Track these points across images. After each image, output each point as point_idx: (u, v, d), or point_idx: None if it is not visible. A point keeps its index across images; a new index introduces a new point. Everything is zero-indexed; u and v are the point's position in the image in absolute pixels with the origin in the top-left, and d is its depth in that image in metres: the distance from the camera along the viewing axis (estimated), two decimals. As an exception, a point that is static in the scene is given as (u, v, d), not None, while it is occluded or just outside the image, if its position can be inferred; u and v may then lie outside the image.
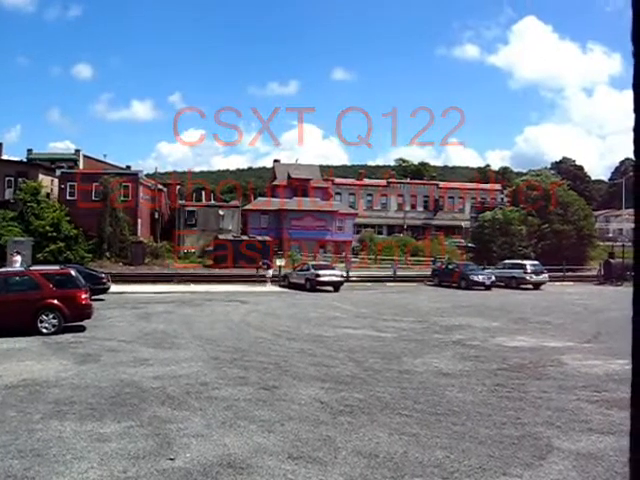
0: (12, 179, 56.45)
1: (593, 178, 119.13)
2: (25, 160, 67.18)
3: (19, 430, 8.53)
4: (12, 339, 16.61)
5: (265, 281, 41.37)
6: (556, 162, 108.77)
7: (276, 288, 39.57)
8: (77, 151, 74.76)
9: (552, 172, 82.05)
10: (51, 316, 17.91)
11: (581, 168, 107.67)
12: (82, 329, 18.63)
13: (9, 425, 8.78)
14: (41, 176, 57.31)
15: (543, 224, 59.27)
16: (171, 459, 7.39)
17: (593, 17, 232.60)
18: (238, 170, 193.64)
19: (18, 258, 34.14)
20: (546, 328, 21.23)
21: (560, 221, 59.66)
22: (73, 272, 19.89)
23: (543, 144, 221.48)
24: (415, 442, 8.20)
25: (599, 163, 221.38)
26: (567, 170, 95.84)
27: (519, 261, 46.52)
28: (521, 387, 11.70)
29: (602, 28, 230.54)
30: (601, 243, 67.47)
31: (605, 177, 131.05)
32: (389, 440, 8.27)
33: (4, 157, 64.86)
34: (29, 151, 73.05)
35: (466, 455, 7.69)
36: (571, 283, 48.86)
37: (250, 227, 67.59)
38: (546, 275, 43.73)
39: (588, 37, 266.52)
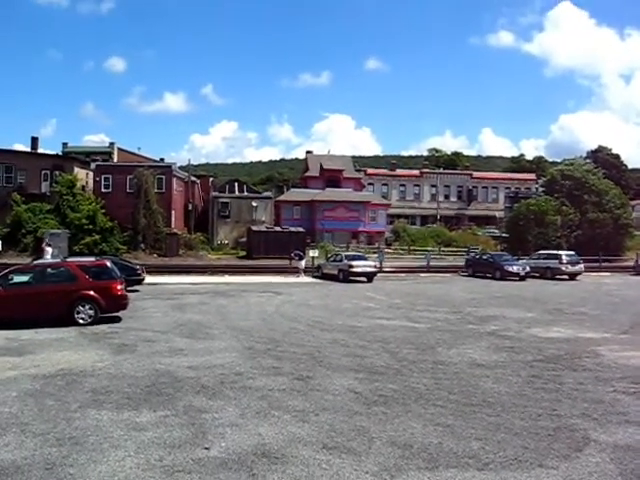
0: (48, 172, 57.23)
1: (630, 167, 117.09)
2: (61, 154, 68.23)
3: (57, 419, 8.66)
4: (49, 329, 16.87)
5: (298, 272, 41.39)
6: (592, 151, 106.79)
7: (309, 279, 39.57)
8: (111, 144, 75.70)
9: (587, 161, 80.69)
10: (87, 307, 18.12)
11: (617, 157, 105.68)
12: (118, 320, 18.83)
13: (48, 414, 8.92)
14: (76, 169, 58.06)
15: (577, 213, 58.40)
16: (206, 448, 7.45)
17: (631, 1, 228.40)
18: (270, 161, 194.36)
19: (49, 249, 34.63)
20: (582, 319, 20.94)
21: (595, 210, 58.73)
22: (109, 264, 20.08)
23: (579, 132, 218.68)
24: (450, 433, 8.16)
25: (637, 151, 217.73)
26: (603, 159, 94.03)
27: (554, 251, 45.91)
28: (557, 378, 11.56)
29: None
30: (638, 233, 66.22)
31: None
32: (423, 431, 8.24)
33: (40, 151, 65.89)
34: (64, 144, 74.13)
35: (501, 446, 7.63)
36: (607, 274, 48.08)
37: (283, 218, 67.69)
38: (582, 265, 42.99)
39: (626, 22, 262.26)
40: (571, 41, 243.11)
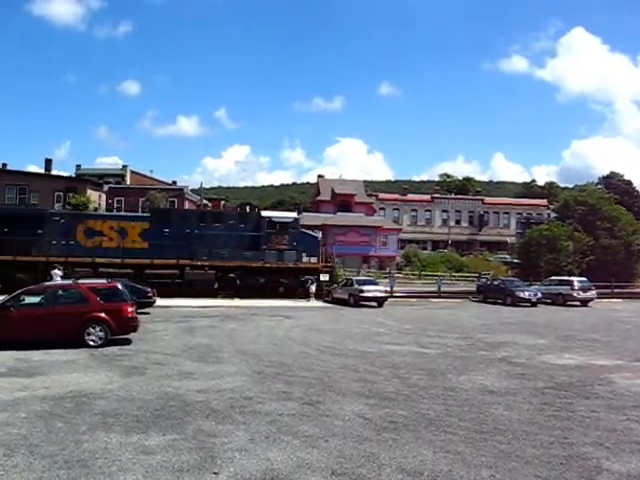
0: (61, 194, 57.72)
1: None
2: (74, 176, 68.75)
3: (66, 441, 8.64)
4: (60, 351, 16.88)
5: (308, 296, 41.30)
6: (604, 176, 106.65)
7: (319, 303, 39.50)
8: (124, 166, 76.39)
9: (599, 187, 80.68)
10: (98, 329, 18.13)
11: (629, 183, 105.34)
12: (128, 342, 18.84)
13: (56, 436, 8.90)
14: (89, 191, 58.51)
15: (590, 239, 58.15)
16: (215, 473, 7.40)
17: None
18: (282, 185, 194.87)
19: (57, 272, 34.61)
20: (594, 346, 20.79)
21: (607, 236, 58.49)
22: (120, 286, 20.11)
23: (591, 158, 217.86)
24: (460, 460, 8.08)
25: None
26: (615, 185, 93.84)
27: (566, 277, 45.71)
28: (569, 406, 11.45)
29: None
30: (651, 259, 65.72)
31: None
32: (434, 458, 8.16)
33: (54, 173, 66.48)
34: (78, 167, 75.00)
35: (512, 475, 7.54)
36: (620, 300, 47.65)
37: (294, 242, 67.65)
38: (594, 292, 42.79)
39: (639, 49, 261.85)
40: (584, 67, 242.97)
